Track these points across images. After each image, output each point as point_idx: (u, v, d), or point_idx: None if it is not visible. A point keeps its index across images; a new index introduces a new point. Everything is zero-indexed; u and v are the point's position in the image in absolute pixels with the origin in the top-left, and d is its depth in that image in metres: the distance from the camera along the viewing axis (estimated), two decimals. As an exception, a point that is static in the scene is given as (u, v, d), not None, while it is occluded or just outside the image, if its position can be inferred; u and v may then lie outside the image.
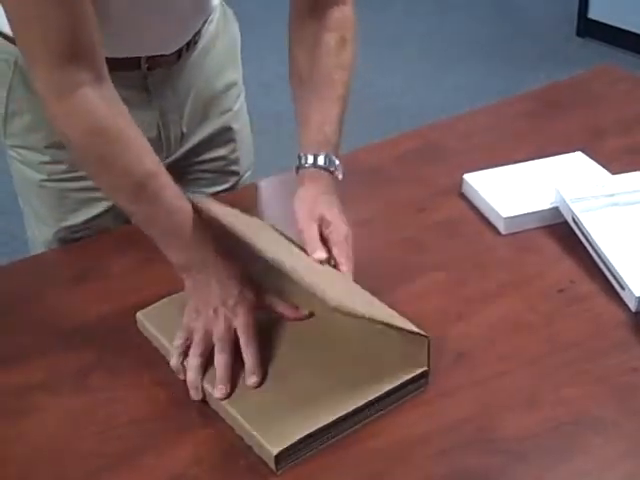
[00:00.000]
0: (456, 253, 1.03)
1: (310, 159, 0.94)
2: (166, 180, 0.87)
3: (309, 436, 0.76)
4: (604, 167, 1.15)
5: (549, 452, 0.76)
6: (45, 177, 1.09)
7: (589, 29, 3.61)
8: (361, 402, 0.79)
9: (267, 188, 1.23)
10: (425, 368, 0.82)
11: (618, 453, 0.77)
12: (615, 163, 1.16)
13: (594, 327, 0.91)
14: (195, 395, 0.82)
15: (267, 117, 2.65)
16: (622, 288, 0.93)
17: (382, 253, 1.04)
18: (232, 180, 1.24)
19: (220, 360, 0.82)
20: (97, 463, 0.77)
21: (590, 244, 0.99)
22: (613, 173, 1.13)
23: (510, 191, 1.10)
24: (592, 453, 0.77)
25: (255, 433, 0.76)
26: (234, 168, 1.23)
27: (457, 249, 1.04)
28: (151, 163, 0.86)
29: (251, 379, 0.82)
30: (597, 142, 1.25)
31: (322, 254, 0.86)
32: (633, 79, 1.47)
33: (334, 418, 0.77)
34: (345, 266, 0.87)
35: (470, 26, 3.88)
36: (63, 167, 1.08)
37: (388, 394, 0.80)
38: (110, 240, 1.09)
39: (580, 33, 3.64)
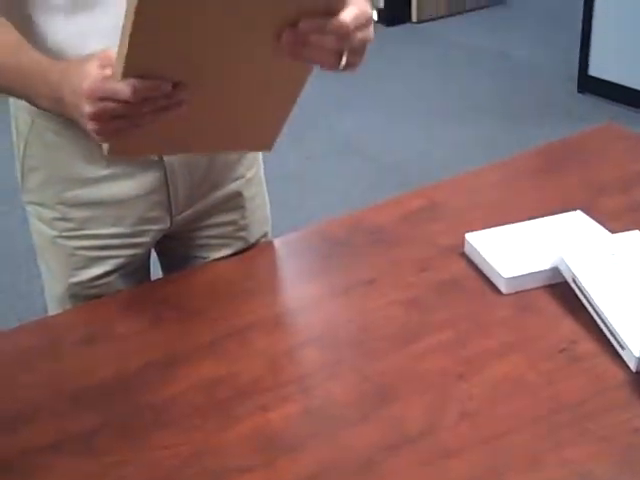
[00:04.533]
0: (458, 313, 1.04)
1: None
2: None
3: None
4: (604, 226, 1.17)
5: (552, 514, 0.77)
6: (56, 234, 1.12)
7: (590, 85, 3.67)
8: None
9: (283, 247, 1.25)
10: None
11: (621, 514, 0.77)
12: (615, 222, 1.18)
13: (595, 387, 0.91)
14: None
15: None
16: (622, 348, 0.94)
17: (385, 313, 1.05)
18: (239, 247, 1.24)
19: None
20: (103, 525, 0.78)
21: (590, 304, 1.01)
22: (613, 232, 1.15)
23: (511, 251, 1.12)
24: (595, 514, 0.77)
25: None
26: (242, 234, 1.23)
27: (459, 309, 1.05)
28: None
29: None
30: (597, 200, 1.27)
31: None
32: (633, 137, 1.50)
33: None
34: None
35: (474, 83, 3.95)
36: (72, 225, 1.11)
37: None
38: (116, 303, 1.11)
39: (581, 89, 3.70)
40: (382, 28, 4.61)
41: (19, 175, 1.13)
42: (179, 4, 0.75)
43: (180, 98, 0.82)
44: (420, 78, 4.06)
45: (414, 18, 4.74)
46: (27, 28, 0.98)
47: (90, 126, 0.82)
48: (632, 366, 0.93)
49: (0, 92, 0.95)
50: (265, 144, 1.02)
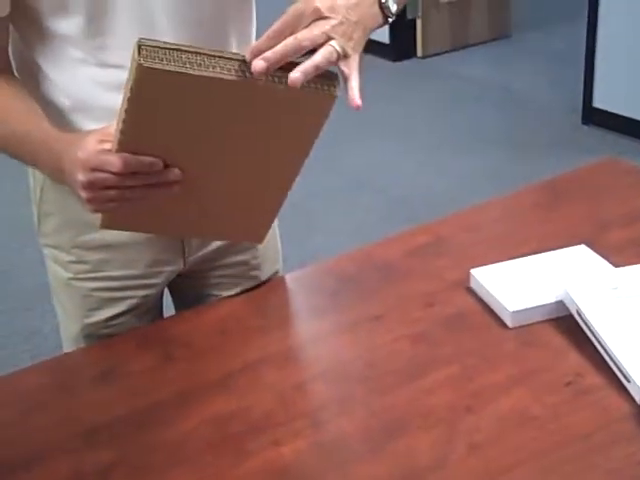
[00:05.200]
0: (465, 347, 1.06)
1: None
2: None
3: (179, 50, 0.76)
4: (607, 260, 1.19)
5: None
6: (72, 276, 1.15)
7: (594, 117, 3.70)
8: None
9: (292, 283, 1.27)
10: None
11: None
12: (618, 256, 1.20)
13: (601, 420, 0.93)
14: None
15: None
16: (628, 381, 0.95)
17: (393, 348, 1.07)
18: (251, 285, 1.25)
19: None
20: None
21: (595, 337, 1.02)
22: (616, 266, 1.17)
23: (516, 285, 1.13)
24: None
25: None
26: (254, 273, 1.25)
27: (466, 343, 1.07)
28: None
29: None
30: (601, 235, 1.29)
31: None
32: (637, 172, 1.52)
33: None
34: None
35: (479, 116, 3.99)
36: (87, 267, 1.14)
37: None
38: (130, 339, 1.13)
39: (586, 121, 3.74)
40: (388, 63, 4.67)
41: (35, 219, 1.16)
42: (170, 99, 0.80)
43: (170, 178, 0.86)
44: (426, 111, 4.10)
45: (419, 53, 4.80)
46: (38, 77, 1.02)
47: (83, 194, 0.87)
48: (638, 399, 0.94)
49: (5, 154, 0.99)
50: (256, 236, 1.06)
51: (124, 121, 0.81)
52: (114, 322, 1.16)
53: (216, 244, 1.19)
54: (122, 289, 1.15)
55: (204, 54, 0.77)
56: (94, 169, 0.85)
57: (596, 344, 1.02)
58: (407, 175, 3.48)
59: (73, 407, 1.01)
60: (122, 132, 0.82)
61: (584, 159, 1.59)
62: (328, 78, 0.81)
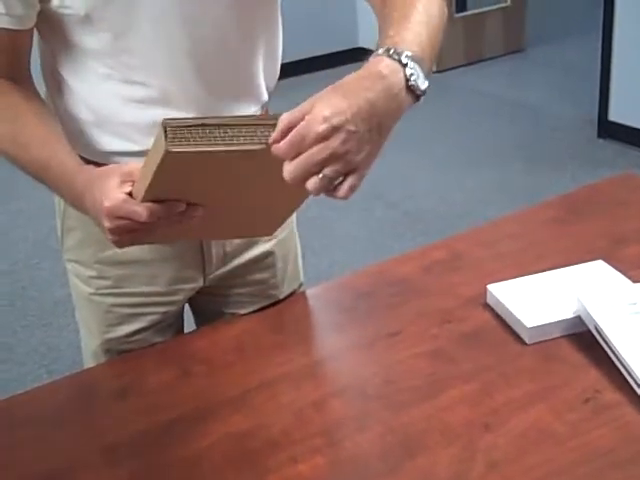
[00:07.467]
0: (482, 363, 1.06)
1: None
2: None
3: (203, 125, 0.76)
4: (625, 275, 1.18)
5: None
6: (93, 291, 1.16)
7: (610, 131, 3.70)
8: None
9: (309, 300, 1.27)
10: None
11: None
12: (636, 271, 1.20)
13: (621, 437, 0.92)
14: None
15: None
16: (647, 397, 0.95)
17: (410, 364, 1.07)
18: (270, 303, 1.26)
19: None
20: None
21: (613, 353, 1.02)
22: (634, 281, 1.16)
23: (533, 301, 1.13)
24: None
25: None
26: (273, 292, 1.25)
27: (483, 359, 1.06)
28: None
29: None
30: (618, 250, 1.28)
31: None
32: (652, 187, 1.51)
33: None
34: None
35: (494, 130, 3.99)
36: (109, 283, 1.15)
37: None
38: (148, 355, 1.14)
39: (601, 135, 3.73)
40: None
41: (59, 234, 1.17)
42: (194, 169, 0.82)
43: (192, 215, 0.89)
44: (440, 125, 4.11)
45: (433, 68, 4.82)
46: (63, 89, 1.03)
47: (108, 236, 0.91)
48: (657, 415, 0.93)
49: (29, 176, 1.00)
50: (266, 231, 1.09)
51: (150, 185, 0.83)
52: (135, 338, 1.17)
53: (235, 263, 1.20)
54: (143, 305, 1.16)
55: (227, 125, 0.78)
56: (120, 217, 0.87)
57: (614, 360, 1.02)
58: (422, 189, 3.48)
59: (92, 423, 1.02)
60: (147, 190, 0.84)
61: (600, 173, 1.59)
62: None
